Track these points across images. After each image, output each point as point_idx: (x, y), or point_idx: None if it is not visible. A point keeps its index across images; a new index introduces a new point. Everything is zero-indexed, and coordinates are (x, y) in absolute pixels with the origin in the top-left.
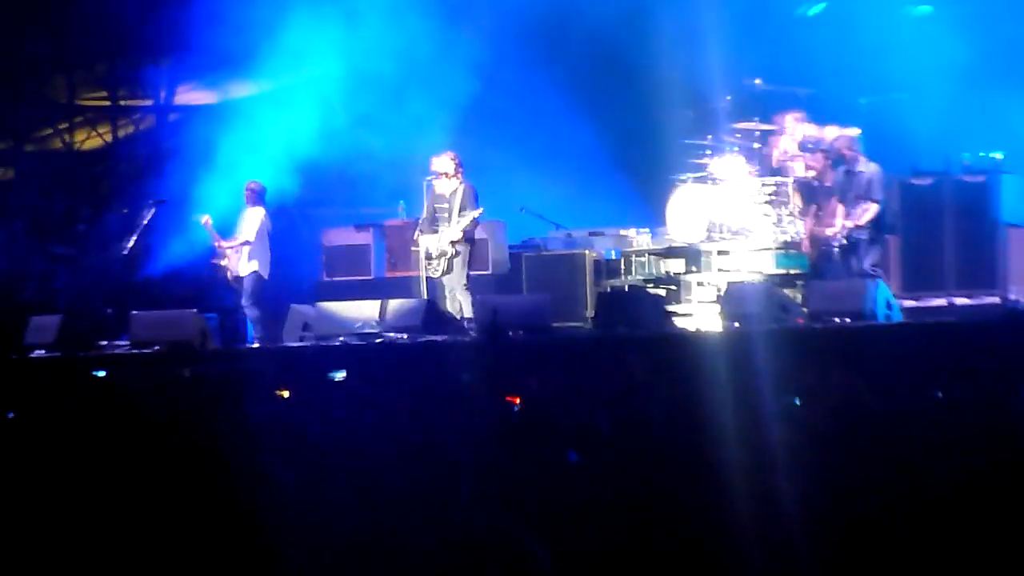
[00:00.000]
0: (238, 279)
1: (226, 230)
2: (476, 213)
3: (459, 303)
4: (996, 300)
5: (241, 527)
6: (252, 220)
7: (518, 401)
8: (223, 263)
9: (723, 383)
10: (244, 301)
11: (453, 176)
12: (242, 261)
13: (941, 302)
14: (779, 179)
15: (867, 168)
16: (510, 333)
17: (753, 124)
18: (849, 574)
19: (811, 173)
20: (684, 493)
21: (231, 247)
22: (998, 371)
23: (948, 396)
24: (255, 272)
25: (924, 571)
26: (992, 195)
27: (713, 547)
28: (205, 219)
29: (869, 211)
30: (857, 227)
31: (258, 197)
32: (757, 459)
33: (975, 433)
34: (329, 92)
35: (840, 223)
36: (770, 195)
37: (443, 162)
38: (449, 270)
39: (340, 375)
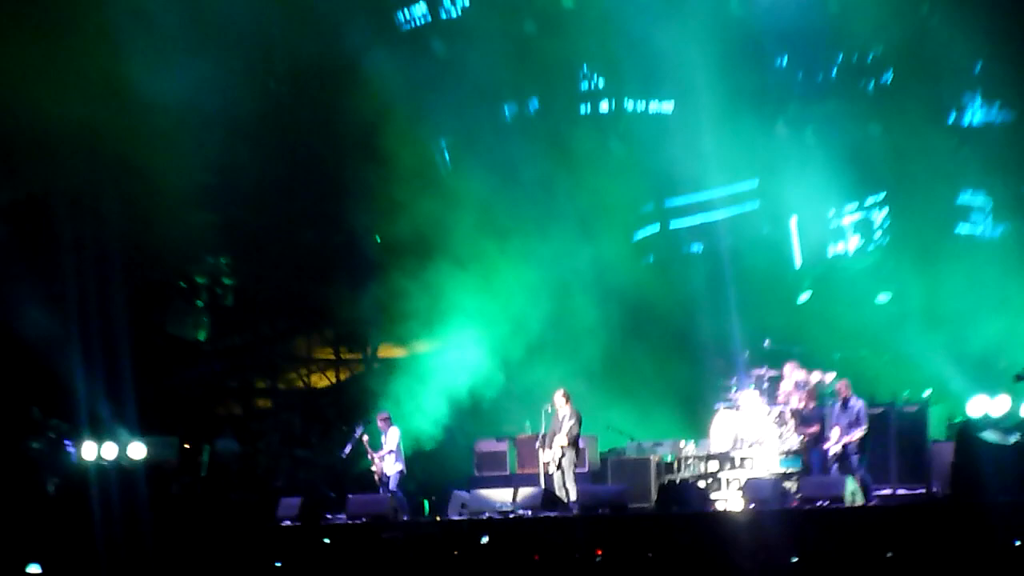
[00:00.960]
0: (384, 475)
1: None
2: (577, 430)
3: (566, 490)
4: (924, 490)
5: None
6: (393, 436)
7: (600, 552)
8: (373, 468)
9: (745, 546)
10: (394, 488)
11: (565, 405)
12: (388, 463)
13: (888, 492)
14: (782, 408)
15: (856, 403)
16: (600, 511)
17: (764, 370)
18: None
19: (802, 405)
20: None
21: (380, 456)
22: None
23: (895, 554)
24: (400, 471)
25: None
26: (922, 420)
27: None
28: (362, 435)
29: (860, 431)
30: (851, 442)
31: (391, 421)
32: None
33: None
34: (484, 345)
35: (837, 439)
36: (776, 418)
37: (559, 396)
38: (560, 467)
39: (485, 539)
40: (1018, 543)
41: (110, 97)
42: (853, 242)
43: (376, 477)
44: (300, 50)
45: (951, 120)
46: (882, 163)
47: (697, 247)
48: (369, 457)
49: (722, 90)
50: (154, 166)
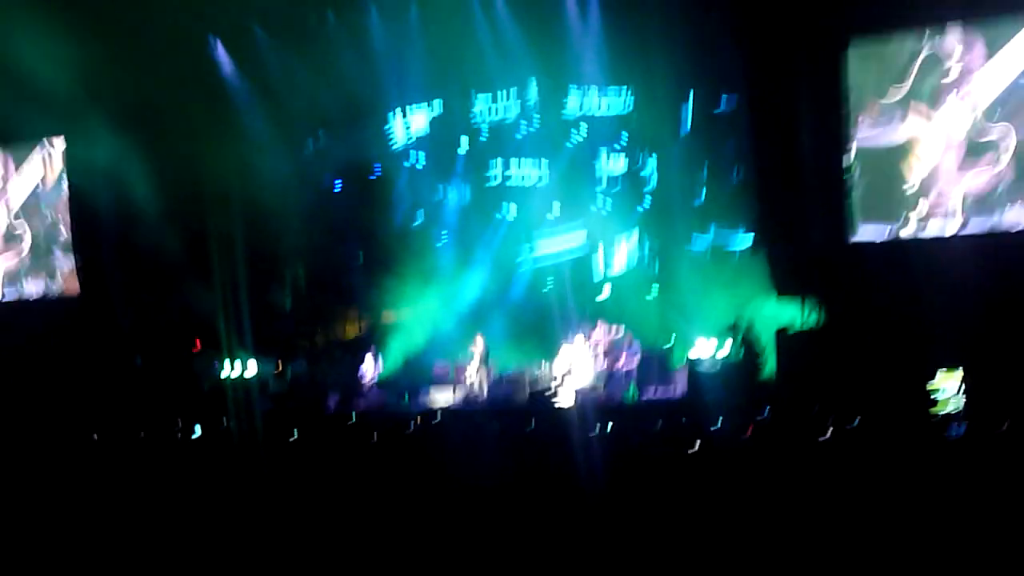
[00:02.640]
0: (376, 383)
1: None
2: (487, 358)
3: (481, 392)
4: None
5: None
6: (379, 362)
7: (500, 428)
8: (366, 379)
9: (575, 423)
10: (382, 390)
11: (481, 344)
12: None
13: (651, 395)
14: (596, 347)
15: (635, 345)
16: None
17: (586, 327)
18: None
19: (607, 346)
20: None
21: (375, 371)
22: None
23: (663, 427)
24: (376, 380)
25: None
26: (670, 355)
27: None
28: (366, 360)
29: (636, 360)
30: (632, 368)
31: (378, 353)
32: (583, 447)
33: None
34: (440, 312)
35: (625, 365)
36: (593, 353)
37: (479, 338)
38: (479, 378)
39: (438, 418)
40: (714, 428)
41: (243, 174)
42: (624, 259)
43: (370, 384)
44: None
45: (694, 197)
46: (648, 219)
47: (549, 268)
48: (366, 374)
49: (569, 173)
50: (265, 214)
